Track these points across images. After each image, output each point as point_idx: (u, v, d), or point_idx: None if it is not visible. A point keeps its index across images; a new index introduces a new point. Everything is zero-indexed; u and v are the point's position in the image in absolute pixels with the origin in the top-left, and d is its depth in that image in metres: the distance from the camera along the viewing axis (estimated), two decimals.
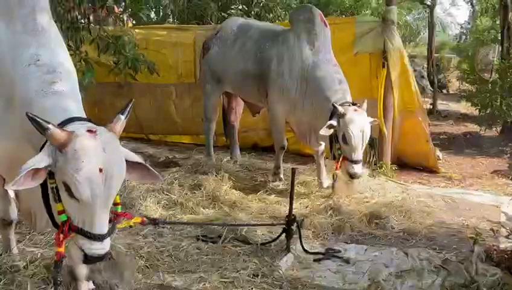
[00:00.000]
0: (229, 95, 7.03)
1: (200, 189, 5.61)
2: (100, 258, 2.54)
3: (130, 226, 3.48)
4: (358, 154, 5.25)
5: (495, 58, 15.71)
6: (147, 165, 2.78)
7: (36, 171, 2.42)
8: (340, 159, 5.36)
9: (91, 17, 6.74)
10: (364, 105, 5.38)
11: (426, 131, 7.39)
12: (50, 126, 2.40)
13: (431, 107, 13.91)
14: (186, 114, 8.37)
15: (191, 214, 5.07)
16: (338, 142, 5.33)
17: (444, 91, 18.43)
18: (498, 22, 14.38)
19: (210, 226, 4.69)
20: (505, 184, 7.01)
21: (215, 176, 5.96)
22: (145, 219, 3.37)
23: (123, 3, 7.42)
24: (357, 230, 4.89)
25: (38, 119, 2.40)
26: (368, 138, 5.36)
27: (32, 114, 2.41)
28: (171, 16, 12.04)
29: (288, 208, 4.31)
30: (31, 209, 3.10)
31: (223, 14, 10.41)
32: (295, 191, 4.57)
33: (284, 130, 6.30)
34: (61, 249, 2.61)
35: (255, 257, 4.12)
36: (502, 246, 4.31)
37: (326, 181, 6.04)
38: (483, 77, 14.32)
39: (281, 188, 6.04)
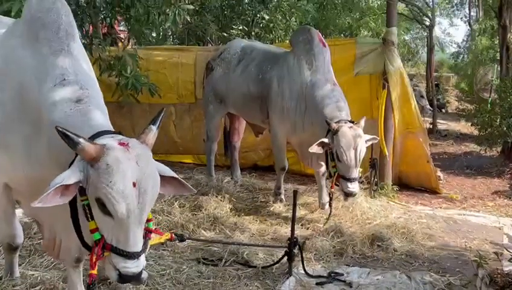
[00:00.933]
0: (231, 115, 7.04)
1: (201, 210, 5.58)
2: (135, 277, 2.48)
3: (162, 243, 3.44)
4: (353, 172, 5.16)
5: (494, 78, 15.81)
6: (179, 178, 2.75)
7: (66, 187, 2.38)
8: (334, 177, 5.29)
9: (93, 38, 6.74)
10: (362, 122, 5.31)
11: (427, 151, 7.37)
12: (81, 140, 2.36)
13: (431, 126, 13.94)
14: (186, 134, 8.37)
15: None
16: (333, 159, 5.26)
17: (443, 110, 18.46)
18: (496, 42, 14.48)
19: (211, 249, 4.67)
20: (507, 205, 6.98)
21: (216, 196, 5.94)
22: (173, 235, 3.44)
23: (127, 23, 7.45)
24: (360, 252, 4.86)
25: (68, 133, 2.36)
26: (363, 154, 5.23)
27: (62, 128, 2.38)
28: (171, 37, 12.09)
29: (290, 230, 4.29)
30: (55, 234, 3.03)
31: (223, 34, 10.44)
32: (297, 212, 4.54)
33: (285, 150, 6.29)
34: (94, 271, 2.58)
35: (256, 281, 4.09)
36: (506, 269, 4.28)
37: (327, 203, 5.99)
38: (482, 97, 14.38)
39: (282, 209, 6.01)
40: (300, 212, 5.76)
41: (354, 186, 5.18)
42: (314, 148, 5.12)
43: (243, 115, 6.83)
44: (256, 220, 5.61)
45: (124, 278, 2.49)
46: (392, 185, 7.00)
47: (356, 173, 5.21)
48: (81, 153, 2.38)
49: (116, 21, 7.73)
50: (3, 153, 2.93)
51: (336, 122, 5.17)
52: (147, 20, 6.80)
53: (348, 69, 7.14)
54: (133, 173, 2.37)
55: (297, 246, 4.23)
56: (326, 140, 5.15)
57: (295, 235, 4.25)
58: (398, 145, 7.22)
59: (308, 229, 5.39)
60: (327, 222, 5.42)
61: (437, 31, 21.92)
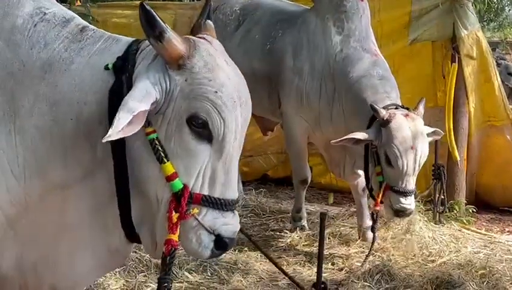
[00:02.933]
0: None
1: None
2: (233, 240, 2.59)
3: None
4: (409, 183, 5.14)
5: None
6: None
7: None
8: (382, 190, 5.23)
9: None
10: (421, 108, 5.29)
11: None
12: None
13: None
14: None
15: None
16: (379, 163, 5.23)
17: None
18: None
19: None
20: None
21: None
22: None
23: None
24: None
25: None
26: (425, 158, 5.20)
27: None
28: None
29: (315, 271, 4.29)
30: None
31: None
32: (326, 246, 4.54)
33: (306, 155, 6.27)
34: (174, 237, 2.48)
35: None
36: None
37: (366, 221, 6.02)
38: None
39: (303, 241, 6.00)
40: (330, 245, 5.78)
41: (409, 202, 5.15)
42: (346, 141, 5.04)
43: None
44: (265, 258, 5.59)
45: (224, 243, 2.53)
46: (466, 204, 6.99)
47: (413, 183, 5.19)
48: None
49: None
50: None
51: (384, 109, 5.12)
52: None
53: (399, 34, 7.15)
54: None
55: None
56: (363, 135, 5.07)
57: (323, 280, 4.24)
58: (475, 145, 7.22)
59: (342, 270, 5.40)
60: (368, 259, 5.39)
61: None
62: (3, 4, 2.62)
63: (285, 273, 4.32)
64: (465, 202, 7.02)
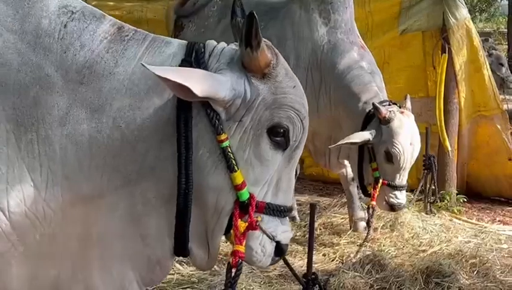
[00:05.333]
0: None
1: None
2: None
3: None
4: (405, 177, 5.27)
5: None
6: None
7: None
8: (379, 185, 5.28)
9: None
10: (409, 104, 5.37)
11: (509, 145, 7.36)
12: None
13: None
14: None
15: None
16: (375, 160, 5.30)
17: None
18: None
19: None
20: None
21: None
22: None
23: None
24: None
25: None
26: (416, 154, 5.31)
27: None
28: None
29: (306, 261, 4.30)
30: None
31: None
32: (317, 236, 4.54)
33: None
34: (241, 248, 2.45)
35: None
36: None
37: (362, 221, 6.04)
38: None
39: (294, 232, 6.00)
40: (322, 235, 5.79)
41: (403, 197, 5.30)
42: (348, 143, 5.07)
43: None
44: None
45: (282, 250, 2.56)
46: (457, 194, 7.02)
47: (406, 178, 5.31)
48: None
49: None
50: None
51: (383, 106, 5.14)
52: None
53: (390, 25, 7.15)
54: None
55: (318, 285, 4.23)
56: (368, 135, 5.10)
57: (314, 270, 4.26)
58: (465, 135, 7.23)
59: (333, 260, 5.40)
60: (361, 249, 5.41)
61: None
62: (22, 4, 2.44)
63: (287, 263, 4.29)
64: (456, 192, 7.04)
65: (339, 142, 5.04)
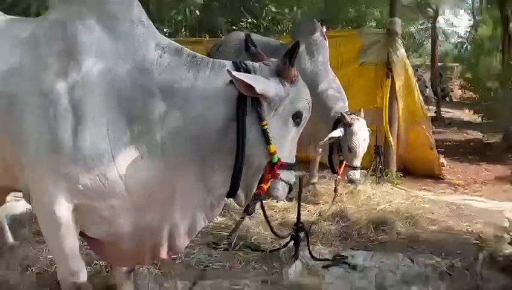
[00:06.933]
0: None
1: None
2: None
3: None
4: (359, 160, 5.29)
5: (497, 67, 15.60)
6: None
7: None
8: (343, 166, 5.31)
9: None
10: (362, 114, 5.37)
11: (430, 139, 7.33)
12: None
13: (435, 115, 13.82)
14: None
15: None
16: (340, 150, 5.30)
17: (447, 99, 18.29)
18: (500, 31, 14.27)
19: (221, 233, 4.66)
20: (509, 190, 6.92)
21: None
22: None
23: None
24: (364, 237, 4.83)
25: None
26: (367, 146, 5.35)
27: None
28: (183, 30, 12.03)
29: (296, 215, 4.28)
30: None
31: (233, 27, 10.40)
32: (303, 199, 4.54)
33: None
34: (266, 186, 2.57)
35: (264, 264, 4.08)
36: (506, 251, 4.23)
37: (315, 177, 6.17)
38: (485, 86, 14.20)
39: (289, 196, 5.97)
40: (306, 198, 5.73)
41: (358, 174, 5.32)
42: (327, 140, 5.14)
43: None
44: (265, 207, 5.57)
45: (291, 188, 2.68)
46: (396, 171, 6.97)
47: (360, 161, 5.31)
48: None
49: None
50: None
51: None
52: (159, 15, 6.77)
53: (353, 60, 7.10)
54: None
55: (304, 230, 4.20)
56: (339, 133, 5.13)
57: (301, 221, 4.23)
58: (402, 132, 7.19)
59: (314, 214, 5.36)
60: (330, 208, 5.36)
61: (441, 22, 21.62)
62: (135, 45, 2.51)
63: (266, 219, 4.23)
64: (396, 170, 7.00)
65: (326, 139, 5.12)
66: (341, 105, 5.41)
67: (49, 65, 2.48)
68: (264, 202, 5.46)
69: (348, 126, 5.12)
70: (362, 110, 5.43)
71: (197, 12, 7.54)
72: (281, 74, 2.52)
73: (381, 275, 3.96)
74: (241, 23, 10.61)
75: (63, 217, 2.49)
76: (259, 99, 2.44)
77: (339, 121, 5.21)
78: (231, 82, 2.44)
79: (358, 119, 5.20)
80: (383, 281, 3.86)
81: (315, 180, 6.17)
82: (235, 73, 2.35)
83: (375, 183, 6.45)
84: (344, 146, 5.23)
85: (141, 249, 2.70)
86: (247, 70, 2.52)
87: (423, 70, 20.50)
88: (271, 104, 2.47)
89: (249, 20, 10.78)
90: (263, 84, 2.41)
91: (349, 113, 5.26)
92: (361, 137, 5.15)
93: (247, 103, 2.44)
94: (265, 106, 2.46)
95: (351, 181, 5.32)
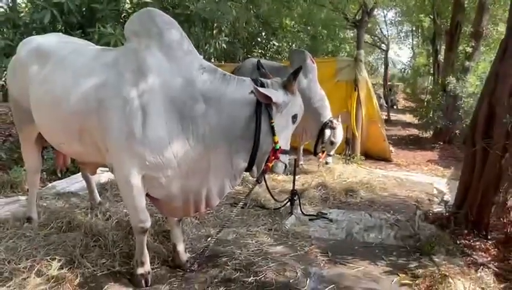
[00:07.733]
0: None
1: None
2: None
3: None
4: (334, 150, 5.47)
5: (429, 85, 15.49)
6: None
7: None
8: (325, 153, 5.45)
9: None
10: (339, 119, 5.42)
11: (383, 133, 7.24)
12: None
13: (386, 117, 13.68)
14: None
15: None
16: (324, 142, 5.36)
17: (395, 107, 18.11)
18: (431, 61, 14.19)
19: (238, 197, 4.64)
20: (436, 169, 6.87)
21: None
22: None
23: None
24: (338, 200, 4.81)
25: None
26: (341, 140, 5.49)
27: None
28: (213, 58, 11.96)
29: (291, 185, 4.28)
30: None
31: (248, 55, 10.35)
32: (297, 173, 4.52)
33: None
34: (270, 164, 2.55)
35: (269, 218, 4.09)
36: (435, 210, 4.23)
37: (301, 160, 6.17)
38: (420, 98, 14.09)
39: (286, 172, 5.92)
40: (298, 173, 5.65)
41: (331, 159, 5.53)
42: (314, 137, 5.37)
43: None
44: (269, 179, 5.53)
45: (286, 167, 2.60)
46: (360, 156, 6.89)
47: (335, 150, 5.50)
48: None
49: None
50: None
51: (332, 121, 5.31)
52: (198, 47, 6.74)
53: (331, 78, 6.97)
54: None
55: (297, 195, 4.21)
56: (328, 133, 5.28)
57: (295, 189, 4.24)
58: (364, 129, 7.08)
59: (304, 185, 5.32)
60: (314, 180, 5.37)
61: (390, 53, 21.33)
62: (184, 66, 2.49)
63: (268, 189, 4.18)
64: (360, 154, 6.92)
65: (326, 139, 5.31)
66: (327, 112, 5.39)
67: (126, 79, 2.48)
68: (268, 176, 5.52)
69: (332, 128, 5.26)
70: (340, 115, 5.47)
71: (224, 45, 7.47)
72: (286, 87, 2.49)
73: (349, 225, 3.97)
74: (254, 52, 10.55)
75: (135, 183, 2.50)
76: (270, 104, 2.42)
77: (326, 124, 5.28)
78: (251, 92, 2.43)
79: (338, 123, 5.30)
80: (350, 230, 3.87)
81: (301, 162, 6.14)
82: (260, 89, 2.36)
83: (346, 163, 6.40)
84: (328, 141, 5.33)
85: (186, 205, 2.69)
86: (262, 85, 2.50)
87: (377, 87, 20.24)
88: (278, 108, 2.45)
89: (259, 50, 10.72)
90: (276, 95, 2.40)
91: (333, 118, 5.34)
92: (339, 135, 5.29)
93: (262, 106, 2.43)
94: (274, 109, 2.45)
95: (327, 163, 5.50)
